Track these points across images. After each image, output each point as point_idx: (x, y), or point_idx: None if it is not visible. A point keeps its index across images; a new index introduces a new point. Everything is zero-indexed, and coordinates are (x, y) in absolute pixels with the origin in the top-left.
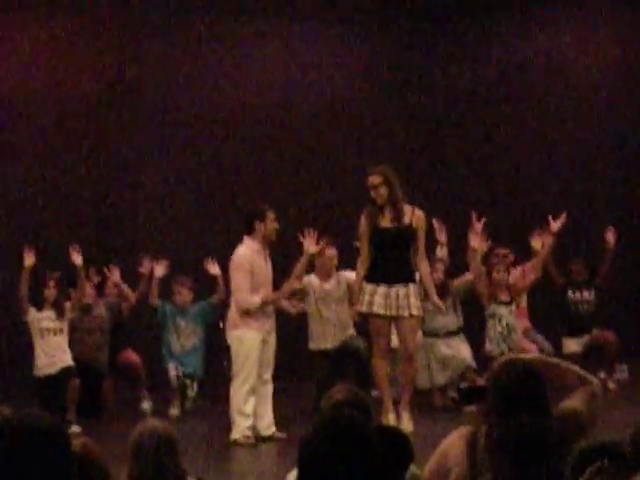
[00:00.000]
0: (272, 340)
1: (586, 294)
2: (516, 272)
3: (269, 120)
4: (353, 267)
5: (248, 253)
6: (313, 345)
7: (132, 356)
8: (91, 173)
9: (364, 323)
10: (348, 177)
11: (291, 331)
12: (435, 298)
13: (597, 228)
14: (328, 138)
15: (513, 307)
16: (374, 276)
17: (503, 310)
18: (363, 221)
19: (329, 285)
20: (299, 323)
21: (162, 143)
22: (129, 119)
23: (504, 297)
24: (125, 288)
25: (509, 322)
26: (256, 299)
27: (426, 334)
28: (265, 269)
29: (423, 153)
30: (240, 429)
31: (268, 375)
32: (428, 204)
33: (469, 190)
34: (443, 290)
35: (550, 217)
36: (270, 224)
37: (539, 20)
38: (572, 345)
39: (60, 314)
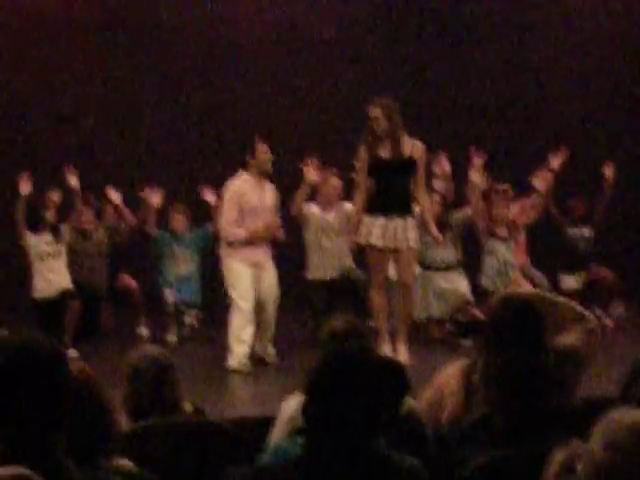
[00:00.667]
0: (267, 271)
1: (585, 231)
2: (515, 208)
3: (264, 54)
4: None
5: (237, 185)
6: (310, 275)
7: (130, 281)
8: (89, 99)
9: (362, 254)
10: (348, 111)
11: (288, 260)
12: (434, 230)
13: (597, 164)
14: (325, 71)
15: (511, 243)
16: (372, 208)
17: (501, 246)
18: (361, 152)
19: (330, 215)
20: (296, 253)
21: (155, 76)
22: (124, 52)
23: (502, 233)
24: (125, 209)
25: (506, 258)
26: (240, 231)
27: (424, 267)
28: (259, 201)
29: (420, 88)
30: (236, 356)
31: (269, 304)
32: (427, 139)
33: (467, 126)
34: (442, 223)
35: (550, 154)
36: (261, 156)
37: None
38: (569, 281)
39: (58, 237)
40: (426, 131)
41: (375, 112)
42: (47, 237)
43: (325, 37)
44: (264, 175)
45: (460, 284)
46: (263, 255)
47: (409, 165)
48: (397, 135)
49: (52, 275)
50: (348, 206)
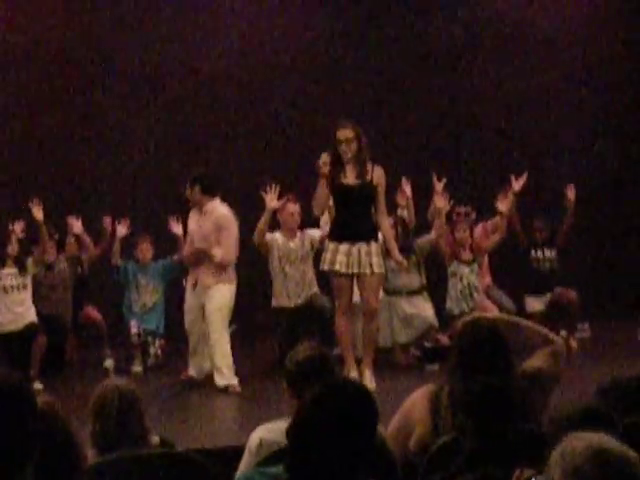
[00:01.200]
0: (212, 296)
1: (548, 252)
2: (478, 230)
3: (234, 82)
4: (317, 225)
5: (191, 213)
6: (275, 302)
7: (94, 313)
8: (52, 130)
9: (326, 280)
10: (314, 136)
11: (254, 287)
12: (397, 254)
13: (559, 186)
14: (294, 98)
15: (475, 266)
16: (336, 234)
17: (465, 269)
18: (321, 179)
19: (293, 243)
20: (263, 279)
21: (126, 102)
22: (98, 78)
23: (466, 256)
24: (87, 239)
25: (470, 281)
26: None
27: (389, 292)
28: (193, 228)
29: (388, 111)
30: (227, 373)
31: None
32: (390, 163)
33: (431, 148)
34: (406, 248)
35: (512, 176)
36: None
37: None
38: (534, 304)
39: (23, 270)
40: (387, 156)
41: (347, 134)
42: (12, 270)
43: (285, 61)
44: (199, 206)
45: (425, 309)
46: (205, 280)
47: (372, 190)
48: (363, 159)
49: (17, 308)
50: (312, 233)
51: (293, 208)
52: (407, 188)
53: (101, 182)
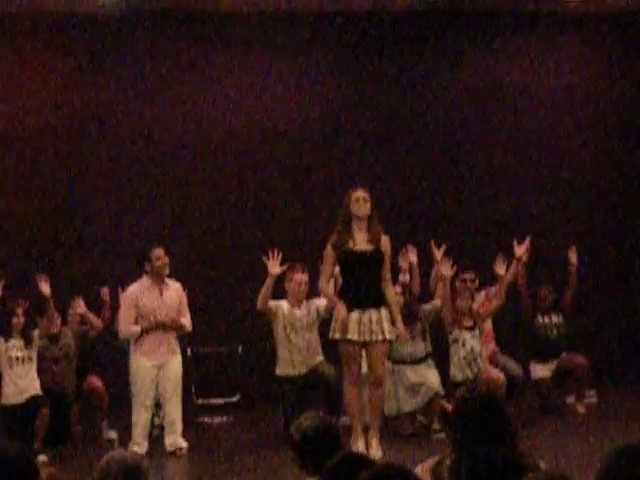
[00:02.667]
0: (171, 365)
1: (554, 318)
2: (480, 297)
3: (237, 147)
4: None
5: (135, 289)
6: (280, 371)
7: (97, 382)
8: (51, 203)
9: (332, 349)
10: (319, 202)
11: (260, 355)
12: (401, 326)
13: (563, 251)
14: (298, 164)
15: (476, 332)
16: (346, 301)
17: (467, 335)
18: (329, 246)
19: (299, 311)
20: (267, 347)
21: (123, 174)
22: (96, 149)
23: (467, 322)
24: (91, 316)
25: (473, 347)
26: (135, 328)
27: (394, 361)
28: (156, 302)
29: (391, 176)
30: (132, 440)
31: (172, 396)
32: (390, 228)
33: (433, 213)
34: (412, 316)
35: (515, 242)
36: (156, 262)
37: (508, 43)
38: (540, 370)
39: (28, 343)
40: (388, 221)
41: (363, 194)
42: (18, 342)
43: (284, 127)
44: (161, 279)
45: (430, 376)
46: (167, 350)
47: (381, 257)
48: (375, 224)
49: (22, 381)
50: (318, 302)
51: (301, 278)
52: (412, 255)
53: (100, 254)
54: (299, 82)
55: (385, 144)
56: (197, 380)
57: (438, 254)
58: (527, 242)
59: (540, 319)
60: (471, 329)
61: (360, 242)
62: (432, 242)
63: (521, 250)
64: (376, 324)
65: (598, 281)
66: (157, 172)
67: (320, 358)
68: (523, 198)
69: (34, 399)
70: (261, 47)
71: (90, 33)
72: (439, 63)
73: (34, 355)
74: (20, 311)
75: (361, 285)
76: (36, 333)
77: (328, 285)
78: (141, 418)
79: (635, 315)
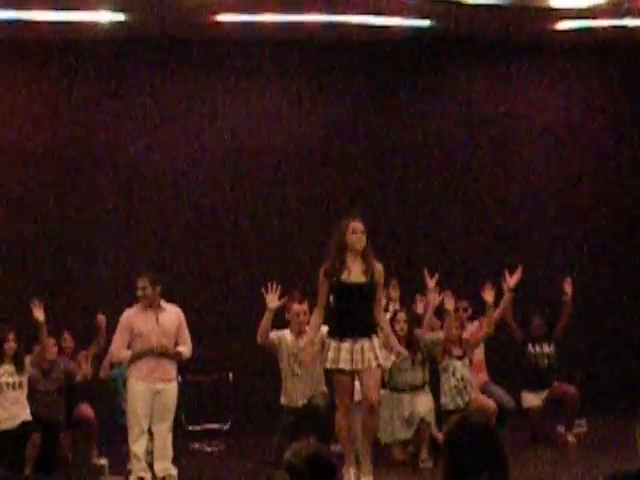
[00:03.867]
0: (166, 392)
1: (546, 348)
2: (474, 326)
3: (231, 174)
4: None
5: (130, 313)
6: (284, 400)
7: (87, 411)
8: (43, 229)
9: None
10: (314, 228)
11: (251, 383)
12: (397, 345)
13: (556, 282)
14: (291, 190)
15: (466, 361)
16: (337, 331)
17: (457, 364)
18: (322, 275)
19: (302, 342)
20: (272, 377)
21: (116, 201)
22: (84, 176)
23: (457, 351)
24: (83, 361)
25: (463, 375)
26: (125, 353)
27: (392, 389)
28: (150, 326)
29: (387, 204)
30: (133, 470)
31: (164, 423)
32: (385, 257)
33: (427, 240)
34: (413, 345)
35: (506, 272)
36: (140, 291)
37: (501, 73)
38: (531, 399)
39: (19, 369)
40: (382, 250)
41: (361, 226)
42: (9, 368)
43: (275, 156)
44: (151, 305)
45: (425, 405)
46: (161, 375)
47: (374, 288)
48: (369, 256)
49: (12, 407)
50: (323, 330)
51: (299, 308)
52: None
53: (97, 286)
54: (293, 109)
55: (378, 170)
56: (188, 407)
57: (431, 282)
58: (519, 272)
59: (531, 348)
60: (461, 358)
61: (354, 273)
62: (425, 270)
63: (513, 280)
64: (369, 351)
65: (588, 310)
66: (150, 199)
67: (322, 388)
68: (516, 227)
69: (25, 425)
70: (257, 74)
71: (83, 60)
72: (431, 91)
73: (25, 381)
74: (11, 337)
75: (353, 316)
76: (28, 359)
77: (320, 315)
78: (141, 449)
79: (625, 344)
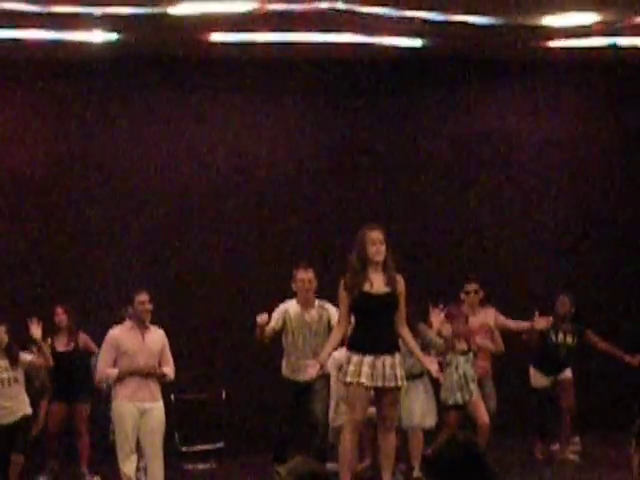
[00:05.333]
0: (153, 412)
1: (569, 339)
2: (484, 314)
3: (223, 193)
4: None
5: (117, 332)
6: (285, 372)
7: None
8: (36, 247)
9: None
10: (306, 249)
11: (244, 401)
12: (429, 365)
13: (550, 298)
14: (282, 210)
15: (470, 355)
16: (359, 345)
17: (460, 359)
18: (342, 289)
19: (309, 316)
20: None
21: (108, 220)
22: (78, 195)
23: (461, 346)
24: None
25: (466, 371)
26: (112, 372)
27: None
28: (137, 346)
29: (380, 220)
30: None
31: (153, 443)
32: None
33: (420, 259)
34: (412, 330)
35: (537, 313)
36: (139, 306)
37: (493, 93)
38: (540, 379)
39: (13, 363)
40: None
41: (380, 235)
42: (2, 362)
43: (269, 175)
44: (142, 323)
45: (422, 406)
46: (148, 394)
47: (396, 300)
48: (391, 266)
49: (7, 402)
50: (332, 310)
51: (304, 276)
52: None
53: (85, 300)
54: (286, 127)
55: (372, 188)
56: (181, 427)
57: (435, 320)
58: (549, 320)
59: (554, 337)
60: (465, 353)
61: (377, 284)
62: (430, 305)
63: (541, 324)
64: (390, 369)
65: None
66: (141, 218)
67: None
68: (509, 243)
69: (25, 419)
70: (250, 93)
71: (76, 80)
72: (424, 110)
73: (21, 377)
74: (3, 329)
75: (376, 330)
76: (22, 355)
77: (340, 331)
78: (131, 469)
79: (619, 362)
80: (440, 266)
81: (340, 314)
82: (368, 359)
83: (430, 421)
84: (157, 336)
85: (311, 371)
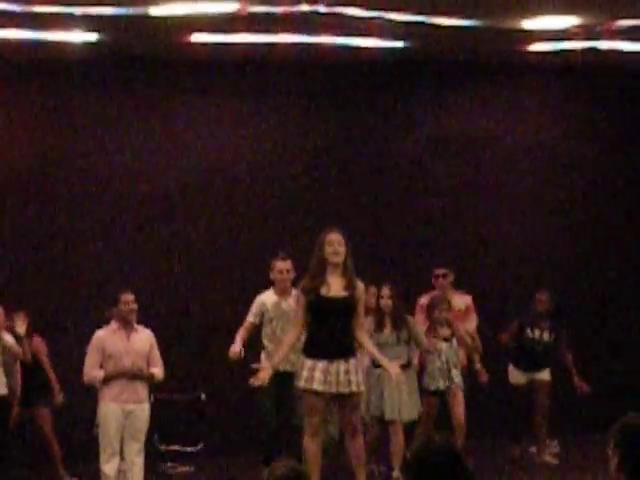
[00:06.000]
0: (138, 413)
1: (545, 335)
2: (461, 299)
3: (209, 196)
4: None
5: (102, 333)
6: (265, 363)
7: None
8: (19, 245)
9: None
10: (294, 250)
11: (223, 404)
12: (388, 364)
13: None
14: (262, 212)
15: (453, 342)
16: (314, 350)
17: (443, 345)
18: (299, 292)
19: (286, 304)
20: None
21: (93, 219)
22: (57, 196)
23: (444, 332)
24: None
25: (449, 358)
26: (98, 373)
27: (375, 365)
28: (123, 347)
29: (356, 225)
30: None
31: (134, 444)
32: (366, 269)
33: (406, 257)
34: (399, 321)
35: (583, 385)
36: (123, 306)
37: (475, 97)
38: (518, 376)
39: None
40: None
41: (339, 237)
42: None
43: (254, 178)
44: (128, 323)
45: (406, 401)
46: (133, 396)
47: (354, 304)
48: (350, 270)
49: None
50: None
51: (282, 265)
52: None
53: (68, 300)
54: (267, 129)
55: (352, 189)
56: (160, 426)
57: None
58: (588, 388)
59: (529, 333)
60: (447, 340)
61: (334, 288)
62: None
63: (582, 389)
64: (344, 375)
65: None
66: (126, 219)
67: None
68: (490, 246)
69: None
70: (231, 94)
71: (55, 80)
72: (406, 112)
73: None
74: None
75: (331, 334)
76: (3, 334)
77: (294, 334)
78: (113, 470)
79: (596, 364)
80: (420, 268)
81: (295, 316)
82: (321, 365)
83: (414, 413)
84: (144, 336)
85: (263, 375)
